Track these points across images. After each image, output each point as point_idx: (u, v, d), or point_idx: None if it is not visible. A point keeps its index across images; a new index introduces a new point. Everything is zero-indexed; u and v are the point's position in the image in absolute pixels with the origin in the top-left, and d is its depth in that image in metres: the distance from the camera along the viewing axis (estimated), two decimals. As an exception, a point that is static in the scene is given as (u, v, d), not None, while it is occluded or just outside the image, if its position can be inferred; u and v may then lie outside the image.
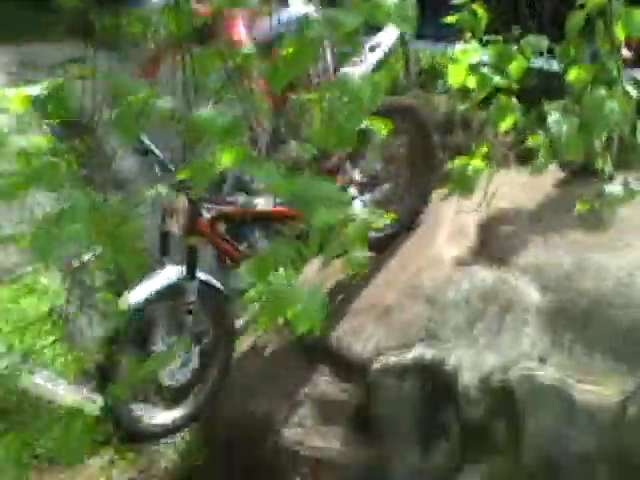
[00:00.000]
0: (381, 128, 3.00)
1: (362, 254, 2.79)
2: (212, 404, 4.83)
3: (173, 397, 4.75)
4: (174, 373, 4.59)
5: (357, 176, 5.23)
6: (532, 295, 4.64)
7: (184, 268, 4.43)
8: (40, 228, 2.10)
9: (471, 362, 4.48)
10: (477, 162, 3.37)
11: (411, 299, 4.82)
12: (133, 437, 4.79)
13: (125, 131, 2.32)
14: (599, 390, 4.29)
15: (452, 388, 4.46)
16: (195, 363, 4.64)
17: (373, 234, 4.88)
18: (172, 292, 4.47)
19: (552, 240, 4.86)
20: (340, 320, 4.88)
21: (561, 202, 5.11)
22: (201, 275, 4.52)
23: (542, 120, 3.24)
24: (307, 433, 4.62)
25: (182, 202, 4.43)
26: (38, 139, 2.38)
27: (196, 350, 4.64)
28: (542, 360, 4.42)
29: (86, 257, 3.41)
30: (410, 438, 4.51)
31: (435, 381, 4.52)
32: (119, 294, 4.30)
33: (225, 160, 2.31)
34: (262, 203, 4.79)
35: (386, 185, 5.36)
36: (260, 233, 4.83)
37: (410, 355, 4.58)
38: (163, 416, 4.75)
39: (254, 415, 4.75)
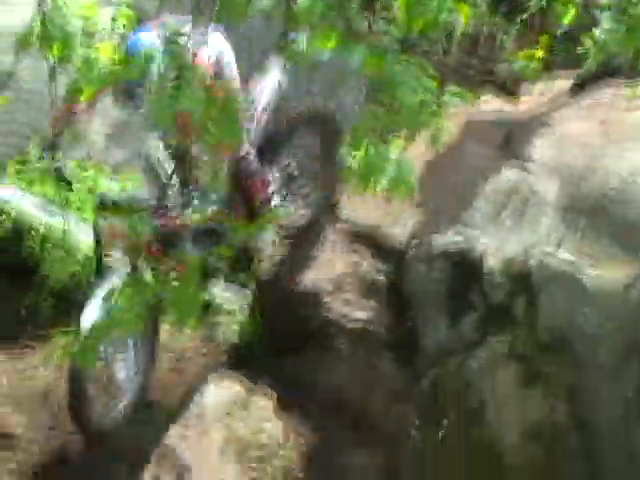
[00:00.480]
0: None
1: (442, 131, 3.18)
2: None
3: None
4: None
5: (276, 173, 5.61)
6: (549, 191, 5.23)
7: None
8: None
9: (495, 248, 5.10)
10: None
11: (443, 192, 5.39)
12: None
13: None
14: (606, 273, 4.92)
15: (478, 270, 5.09)
16: None
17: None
18: None
19: (568, 142, 5.40)
20: (378, 208, 5.44)
21: (577, 109, 5.64)
22: None
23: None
24: (351, 308, 5.24)
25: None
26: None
27: None
28: (557, 247, 5.04)
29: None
30: (439, 313, 5.16)
31: (462, 264, 5.15)
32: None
33: (321, 44, 2.70)
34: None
35: (301, 180, 5.74)
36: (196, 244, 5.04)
37: (441, 241, 5.18)
38: None
39: (305, 291, 5.35)
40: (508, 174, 5.35)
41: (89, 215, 5.21)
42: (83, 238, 5.43)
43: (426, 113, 3.00)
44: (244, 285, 6.29)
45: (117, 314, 2.71)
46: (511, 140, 5.59)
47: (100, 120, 6.20)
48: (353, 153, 3.02)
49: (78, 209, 5.74)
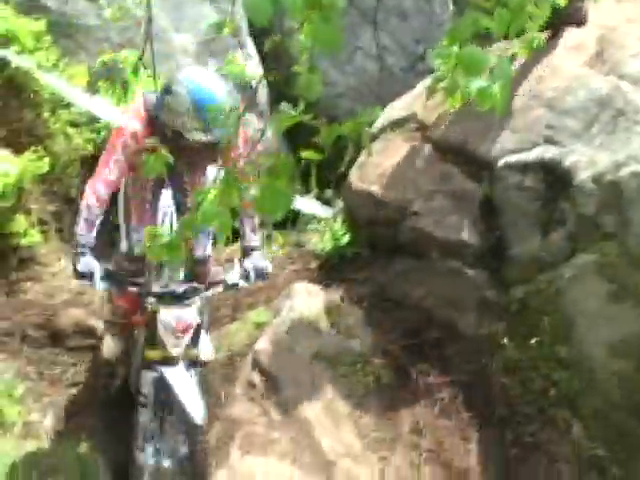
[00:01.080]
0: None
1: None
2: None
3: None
4: None
5: None
6: (644, 103, 5.14)
7: None
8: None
9: (586, 161, 5.04)
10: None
11: (533, 105, 5.31)
12: None
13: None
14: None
15: (568, 184, 5.04)
16: None
17: None
18: None
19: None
20: (468, 123, 5.41)
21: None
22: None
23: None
24: (440, 220, 5.26)
25: None
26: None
27: None
28: (651, 161, 4.98)
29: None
30: (530, 224, 5.14)
31: (553, 177, 5.10)
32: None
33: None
34: None
35: None
36: None
37: (532, 154, 5.14)
38: None
39: (396, 202, 5.37)
40: (601, 85, 5.24)
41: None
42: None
43: (525, 16, 2.93)
44: (329, 203, 6.38)
45: (208, 208, 2.74)
46: (605, 50, 5.46)
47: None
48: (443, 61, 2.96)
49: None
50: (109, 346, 5.07)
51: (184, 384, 4.47)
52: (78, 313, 5.26)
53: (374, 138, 5.70)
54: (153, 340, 4.45)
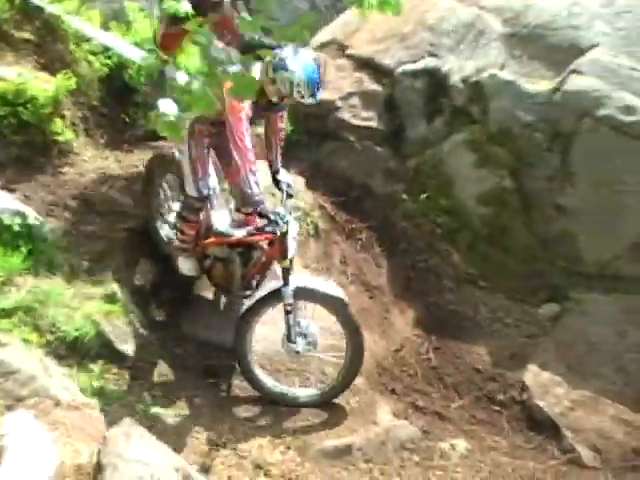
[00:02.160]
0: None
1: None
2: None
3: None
4: None
5: None
6: (496, 25, 7.22)
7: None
8: None
9: (457, 68, 7.13)
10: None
11: (419, 30, 7.34)
12: None
13: None
14: (538, 83, 6.93)
15: (445, 84, 7.14)
16: None
17: None
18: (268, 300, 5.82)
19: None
20: (374, 43, 7.41)
21: None
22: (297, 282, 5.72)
23: None
24: (357, 112, 7.26)
25: None
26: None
27: None
28: (502, 67, 7.05)
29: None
30: (419, 116, 7.23)
31: (435, 80, 7.19)
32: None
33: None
34: None
35: None
36: None
37: (420, 65, 7.18)
38: None
39: (325, 101, 7.31)
40: (467, 13, 7.29)
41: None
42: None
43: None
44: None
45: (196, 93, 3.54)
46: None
47: None
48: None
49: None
50: (184, 263, 6.27)
51: (309, 279, 5.92)
52: (103, 188, 6.95)
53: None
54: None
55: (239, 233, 5.92)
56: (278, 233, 5.61)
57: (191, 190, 5.96)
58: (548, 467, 6.02)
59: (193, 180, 5.95)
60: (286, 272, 5.72)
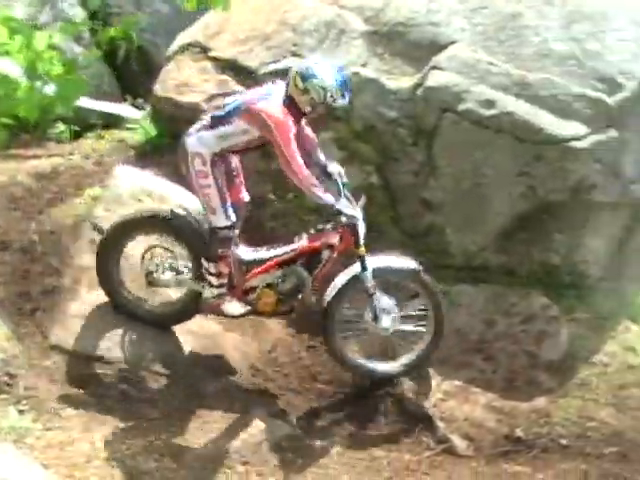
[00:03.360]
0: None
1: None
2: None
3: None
4: None
5: None
6: (357, 24, 7.29)
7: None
8: None
9: None
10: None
11: (282, 29, 7.36)
12: None
13: None
14: (400, 80, 7.04)
15: None
16: None
17: None
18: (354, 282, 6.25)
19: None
20: (237, 45, 7.41)
21: None
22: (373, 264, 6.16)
23: None
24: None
25: None
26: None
27: None
28: (364, 64, 7.12)
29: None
30: None
31: (299, 80, 7.18)
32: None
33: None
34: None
35: None
36: None
37: (283, 64, 7.17)
38: None
39: (188, 105, 7.32)
40: (328, 13, 7.35)
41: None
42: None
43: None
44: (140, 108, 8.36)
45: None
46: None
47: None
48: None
49: None
50: (229, 307, 6.40)
51: (383, 258, 6.23)
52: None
53: (169, 60, 7.67)
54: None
55: (283, 250, 6.25)
56: (356, 223, 6.03)
57: (221, 221, 6.04)
58: (423, 458, 6.21)
59: (223, 209, 6.04)
60: (362, 258, 6.10)
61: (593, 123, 6.73)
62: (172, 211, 6.26)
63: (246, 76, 7.30)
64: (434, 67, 6.99)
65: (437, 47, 7.07)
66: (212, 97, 7.25)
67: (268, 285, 6.28)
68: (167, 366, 6.38)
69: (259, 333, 6.88)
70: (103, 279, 6.40)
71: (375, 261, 6.18)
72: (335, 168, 6.35)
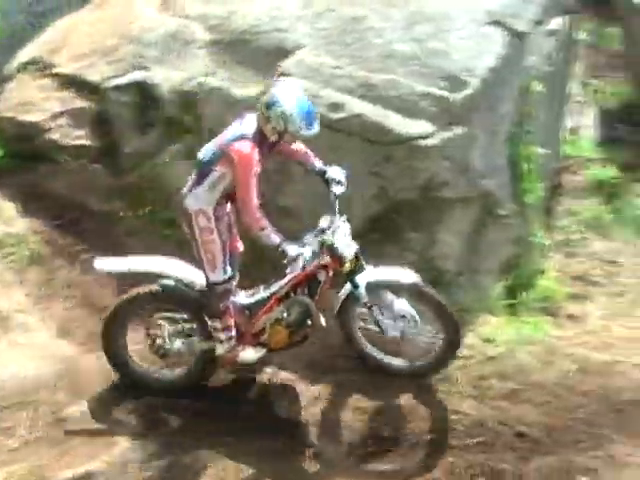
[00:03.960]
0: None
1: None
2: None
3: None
4: None
5: None
6: (201, 33, 7.29)
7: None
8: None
9: (166, 78, 7.15)
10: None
11: (123, 42, 7.29)
12: None
13: None
14: (247, 88, 7.04)
15: (156, 96, 7.14)
16: None
17: None
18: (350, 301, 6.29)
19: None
20: (79, 59, 7.30)
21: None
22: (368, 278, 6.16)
23: None
24: (67, 133, 7.14)
25: None
26: None
27: None
28: (211, 74, 7.13)
29: None
30: (132, 129, 7.22)
31: (145, 92, 7.17)
32: None
33: None
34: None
35: None
36: None
37: (128, 78, 7.14)
38: None
39: (31, 125, 7.17)
40: (172, 23, 7.32)
41: None
42: None
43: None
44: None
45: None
46: (167, -1, 7.59)
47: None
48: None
49: None
50: (245, 355, 6.34)
51: (378, 271, 6.17)
52: None
53: (10, 78, 7.50)
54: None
55: (279, 285, 6.15)
56: (330, 246, 5.94)
57: (219, 275, 5.99)
58: (294, 466, 6.21)
59: (222, 264, 5.99)
60: (350, 276, 6.09)
61: (439, 121, 6.84)
62: (160, 283, 6.14)
63: (90, 91, 7.21)
64: (281, 73, 7.03)
65: (283, 53, 7.13)
66: (55, 115, 7.16)
67: (275, 321, 6.25)
68: (26, 393, 6.26)
69: None
70: (111, 358, 6.41)
71: (371, 274, 6.16)
72: (334, 173, 6.25)
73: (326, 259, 6.07)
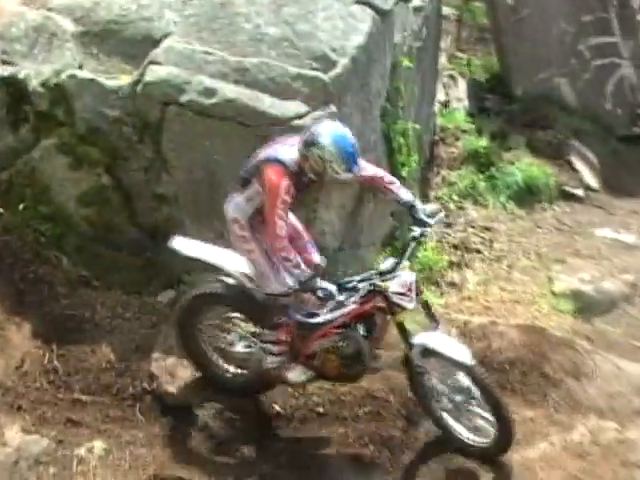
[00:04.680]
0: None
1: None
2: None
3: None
4: None
5: None
6: (68, 25, 7.25)
7: None
8: None
9: (35, 73, 7.08)
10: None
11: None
12: None
13: None
14: (119, 78, 7.04)
15: (25, 91, 7.07)
16: None
17: None
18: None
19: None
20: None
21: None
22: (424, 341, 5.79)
23: None
24: None
25: None
26: None
27: None
28: (80, 66, 7.11)
29: None
30: (3, 125, 7.18)
31: (14, 88, 7.09)
32: None
33: None
34: None
35: None
36: None
37: (-6, 73, 7.06)
38: None
39: None
40: (35, 17, 7.26)
41: None
42: None
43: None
44: None
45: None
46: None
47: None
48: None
49: None
50: (293, 374, 6.21)
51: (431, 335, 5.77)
52: None
53: None
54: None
55: (338, 313, 5.83)
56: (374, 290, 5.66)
57: (274, 287, 5.84)
58: (186, 449, 6.38)
59: (274, 275, 5.81)
60: (402, 328, 5.78)
61: (312, 101, 6.94)
62: (222, 284, 6.10)
63: None
64: (151, 62, 7.02)
65: (152, 42, 7.13)
66: None
67: (330, 349, 6.02)
68: None
69: (5, 350, 6.78)
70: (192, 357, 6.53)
71: (428, 339, 5.79)
72: (423, 213, 5.93)
73: (381, 303, 5.77)
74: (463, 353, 5.71)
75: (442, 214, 6.21)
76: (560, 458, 6.22)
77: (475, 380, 5.76)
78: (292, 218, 6.02)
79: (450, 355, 5.69)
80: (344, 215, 7.38)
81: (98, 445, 6.26)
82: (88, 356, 6.90)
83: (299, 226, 6.18)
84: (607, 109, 11.06)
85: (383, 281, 5.72)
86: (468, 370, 5.74)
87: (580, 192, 10.14)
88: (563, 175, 10.31)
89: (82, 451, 6.20)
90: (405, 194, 6.00)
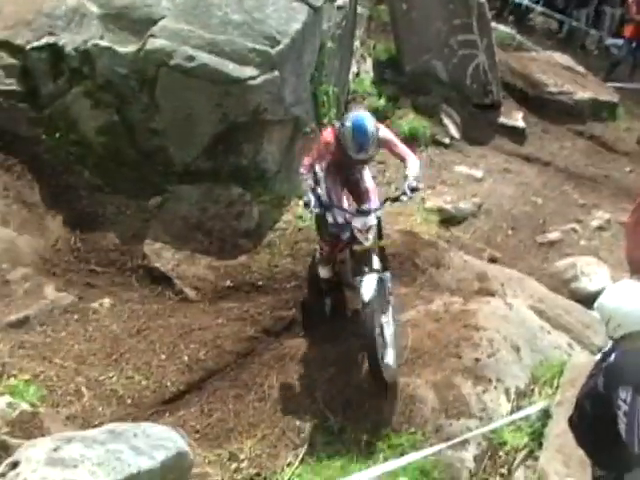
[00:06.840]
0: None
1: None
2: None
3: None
4: None
5: None
6: (94, 8, 9.71)
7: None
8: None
9: (70, 41, 9.58)
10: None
11: (40, 16, 9.62)
12: None
13: None
14: (128, 47, 9.41)
15: (63, 53, 9.53)
16: None
17: None
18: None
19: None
20: (5, 29, 9.81)
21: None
22: None
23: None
24: (1, 80, 9.61)
25: None
26: None
27: None
28: (102, 37, 9.54)
29: None
30: (47, 77, 9.59)
31: (56, 51, 9.52)
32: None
33: None
34: None
35: None
36: None
37: (43, 41, 9.46)
38: None
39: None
40: (71, 2, 9.71)
41: None
42: None
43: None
44: None
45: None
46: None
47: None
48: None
49: None
50: (323, 271, 7.57)
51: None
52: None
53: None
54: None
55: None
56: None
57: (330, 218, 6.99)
58: (166, 306, 8.22)
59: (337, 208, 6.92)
60: (356, 258, 6.97)
61: (262, 67, 9.27)
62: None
63: (16, 52, 9.47)
64: (150, 36, 9.25)
65: (152, 22, 9.40)
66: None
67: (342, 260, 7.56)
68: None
69: (44, 233, 8.76)
70: None
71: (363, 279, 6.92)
72: (408, 186, 6.82)
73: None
74: (367, 293, 6.69)
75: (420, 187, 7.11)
76: (423, 321, 7.69)
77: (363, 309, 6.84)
78: (367, 178, 7.25)
79: (361, 292, 6.81)
80: (282, 148, 9.64)
81: (107, 301, 8.09)
82: (101, 240, 8.87)
83: (370, 186, 7.27)
84: (467, 84, 14.12)
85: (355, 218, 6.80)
86: (363, 305, 6.75)
87: (447, 140, 13.18)
88: (435, 128, 13.17)
89: (96, 305, 8.00)
90: (410, 167, 6.93)
